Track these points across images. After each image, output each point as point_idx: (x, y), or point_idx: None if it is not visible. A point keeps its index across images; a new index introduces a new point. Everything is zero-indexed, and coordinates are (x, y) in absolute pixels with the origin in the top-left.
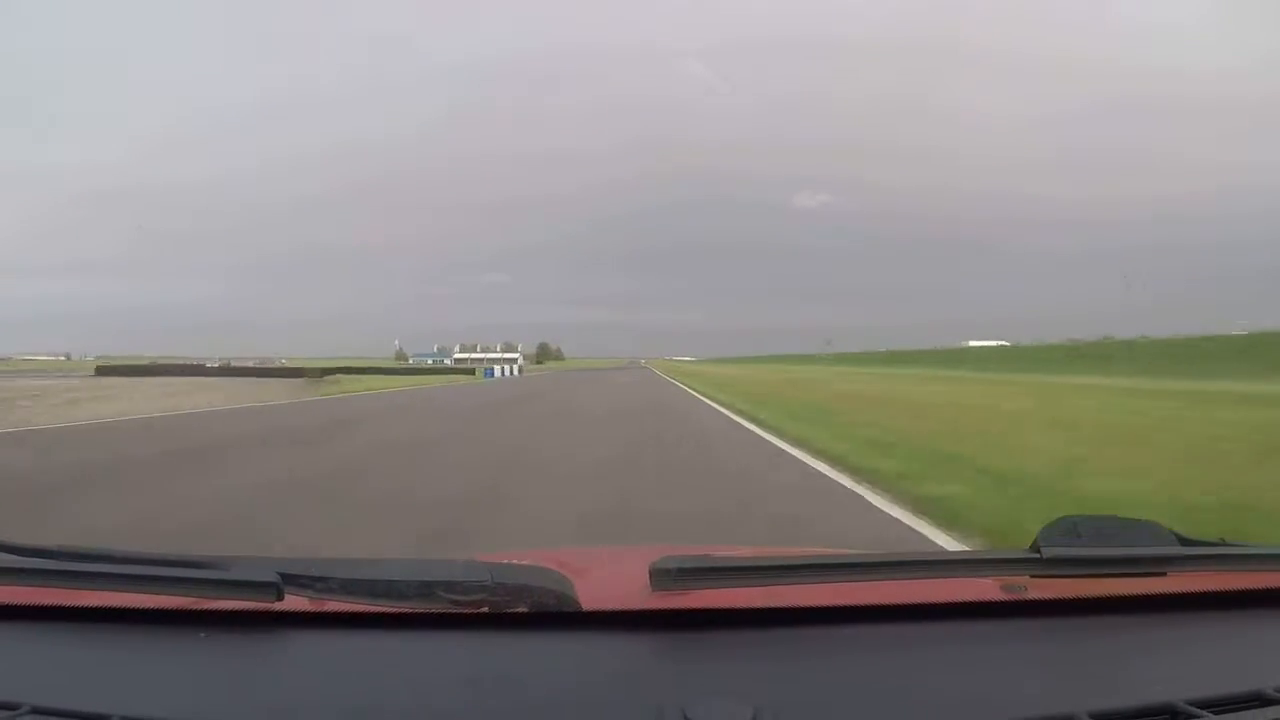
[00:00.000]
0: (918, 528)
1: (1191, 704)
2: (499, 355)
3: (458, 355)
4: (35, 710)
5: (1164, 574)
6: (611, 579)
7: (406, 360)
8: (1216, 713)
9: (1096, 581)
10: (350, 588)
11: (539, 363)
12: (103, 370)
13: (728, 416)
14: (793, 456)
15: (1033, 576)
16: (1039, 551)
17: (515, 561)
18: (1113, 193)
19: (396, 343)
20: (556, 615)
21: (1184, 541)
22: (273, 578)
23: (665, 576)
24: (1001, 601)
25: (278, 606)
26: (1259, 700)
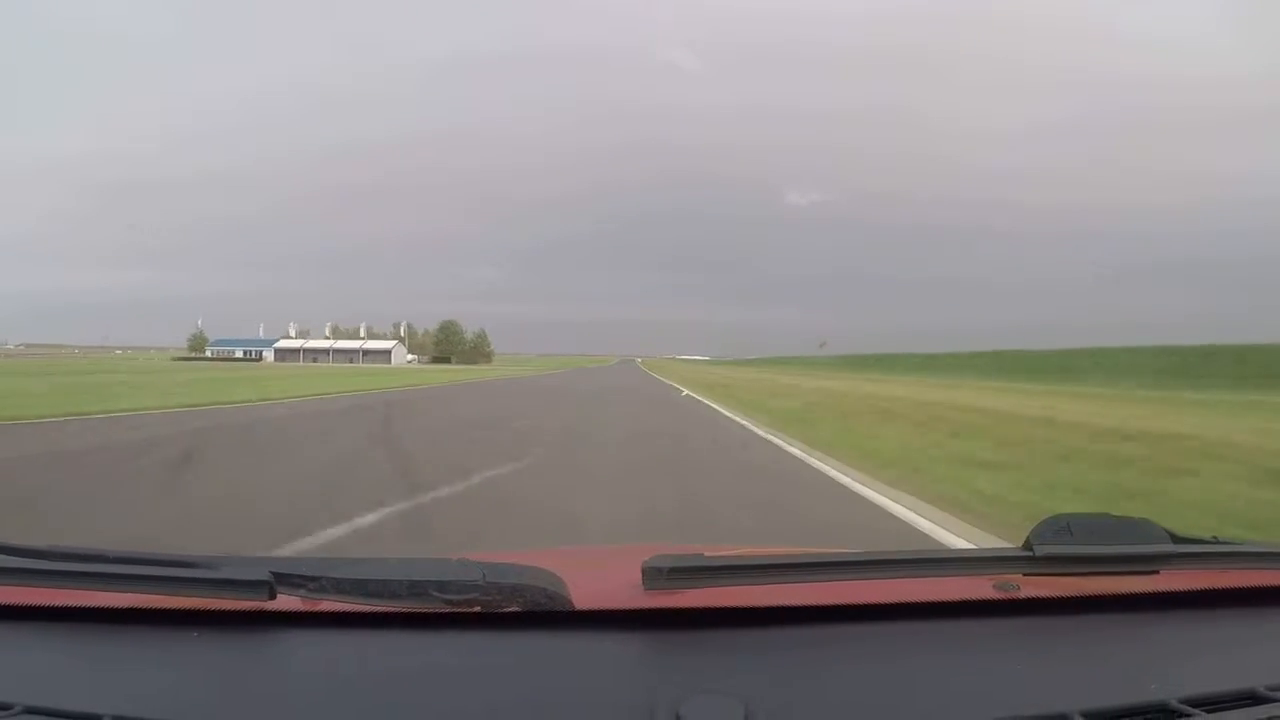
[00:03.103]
0: None
1: (1184, 702)
2: (357, 345)
3: (283, 344)
4: (28, 710)
5: (1156, 572)
6: (604, 578)
7: (203, 350)
8: (1209, 711)
9: (1089, 580)
10: (342, 587)
11: (442, 360)
12: None
13: None
14: None
15: (1025, 575)
16: (1031, 550)
17: (508, 561)
18: (1113, 202)
19: (199, 323)
20: (549, 614)
21: (1177, 539)
22: (265, 577)
23: (657, 575)
24: (994, 600)
25: (270, 606)
26: (1252, 698)
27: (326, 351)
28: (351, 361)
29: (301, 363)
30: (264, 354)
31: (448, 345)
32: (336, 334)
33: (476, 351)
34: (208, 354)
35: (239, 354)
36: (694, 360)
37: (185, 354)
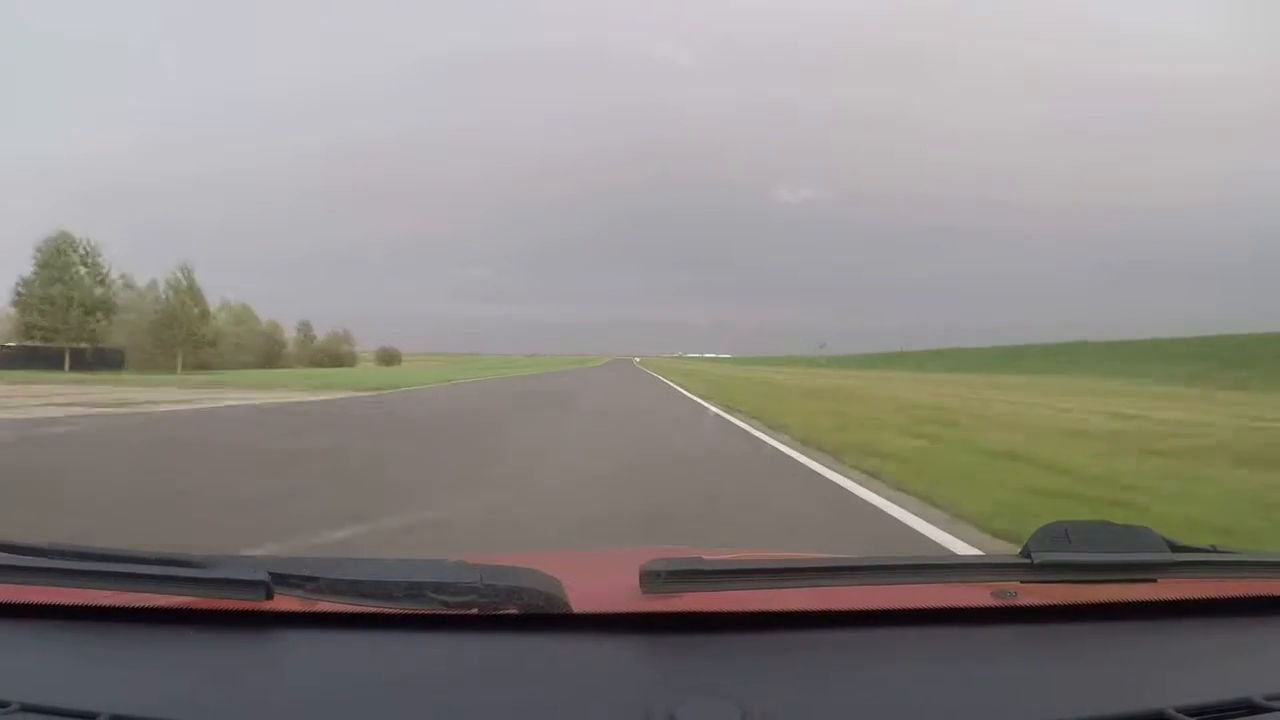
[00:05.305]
0: None
1: (1181, 711)
2: None
3: None
4: (25, 708)
5: (1154, 580)
6: (601, 581)
7: None
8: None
9: (1087, 588)
10: (339, 588)
11: (43, 355)
12: None
13: None
14: None
15: (1023, 582)
16: (1030, 557)
17: (505, 563)
18: (1113, 203)
19: None
20: (546, 617)
21: (1175, 548)
22: (262, 577)
23: (655, 579)
24: (991, 607)
25: (267, 606)
26: (1249, 708)
27: None
28: None
29: None
30: None
31: (60, 314)
32: None
33: (180, 329)
34: None
35: None
36: (711, 359)
37: None
